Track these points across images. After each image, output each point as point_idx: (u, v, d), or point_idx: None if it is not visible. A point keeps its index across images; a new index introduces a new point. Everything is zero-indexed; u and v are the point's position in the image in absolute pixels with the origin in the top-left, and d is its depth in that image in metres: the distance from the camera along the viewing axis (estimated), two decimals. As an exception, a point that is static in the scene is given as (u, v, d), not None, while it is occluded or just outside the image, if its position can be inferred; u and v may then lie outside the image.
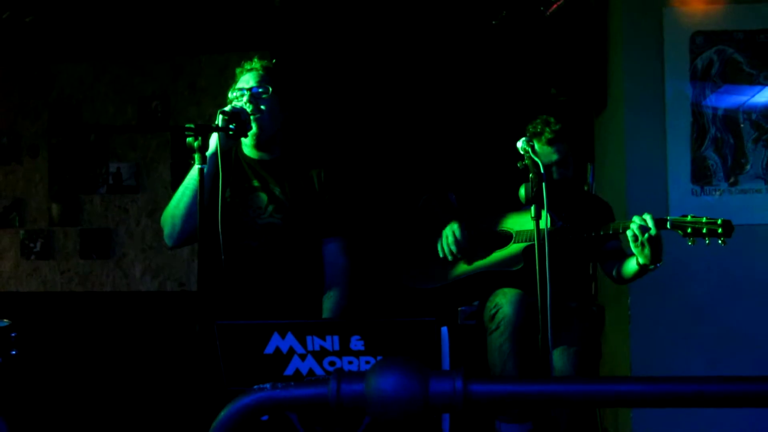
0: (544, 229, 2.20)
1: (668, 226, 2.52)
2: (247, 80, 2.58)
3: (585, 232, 2.69)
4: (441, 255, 2.86)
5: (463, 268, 2.85)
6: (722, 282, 3.27)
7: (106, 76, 4.61)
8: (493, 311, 2.65)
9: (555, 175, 2.79)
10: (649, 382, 0.91)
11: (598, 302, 3.70)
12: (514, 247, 2.79)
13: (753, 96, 3.29)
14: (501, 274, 2.77)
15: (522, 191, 2.63)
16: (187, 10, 4.22)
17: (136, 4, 4.12)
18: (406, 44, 4.23)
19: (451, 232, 2.81)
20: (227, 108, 2.25)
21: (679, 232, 2.51)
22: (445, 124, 4.23)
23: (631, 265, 2.65)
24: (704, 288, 3.29)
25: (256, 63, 2.63)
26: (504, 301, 2.63)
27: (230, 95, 2.59)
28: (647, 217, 2.49)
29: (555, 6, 3.65)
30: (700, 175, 3.31)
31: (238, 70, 2.65)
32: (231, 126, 2.21)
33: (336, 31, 4.24)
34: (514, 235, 2.83)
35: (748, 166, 3.29)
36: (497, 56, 4.14)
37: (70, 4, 4.05)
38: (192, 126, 2.06)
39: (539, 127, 2.81)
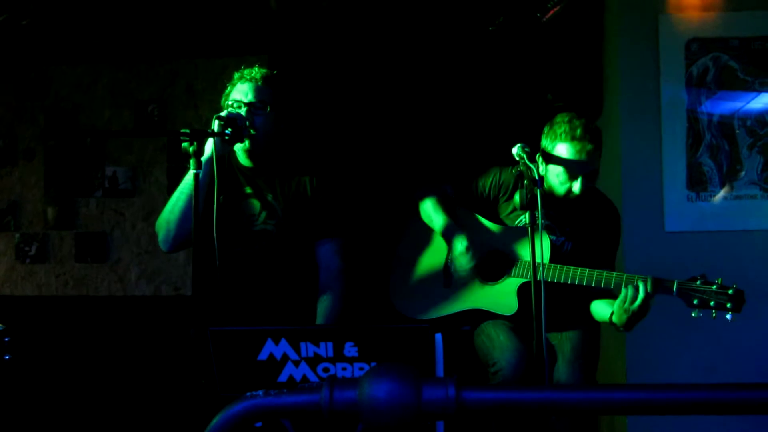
0: (538, 235, 2.18)
1: (674, 293, 2.37)
2: (244, 92, 2.50)
3: (577, 278, 2.48)
4: (453, 276, 2.70)
5: (457, 303, 2.69)
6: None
7: (103, 80, 4.60)
8: (493, 369, 2.50)
9: (579, 188, 2.52)
10: (646, 389, 0.91)
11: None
12: (510, 287, 2.61)
13: (748, 102, 3.30)
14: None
15: (516, 198, 2.60)
16: (184, 14, 4.22)
17: (133, 8, 4.12)
18: (403, 49, 4.23)
19: (460, 255, 2.62)
20: (223, 113, 2.25)
21: (684, 302, 2.35)
22: (441, 129, 4.23)
23: (603, 312, 2.53)
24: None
25: (256, 73, 2.54)
26: (504, 362, 2.46)
27: (225, 103, 2.55)
28: (648, 285, 2.33)
29: (551, 12, 3.65)
30: (696, 181, 3.32)
31: (236, 75, 2.57)
32: (227, 131, 2.20)
33: (333, 35, 4.24)
34: (514, 264, 2.63)
35: (743, 173, 3.30)
36: (494, 62, 4.14)
37: (67, 8, 4.05)
38: (188, 131, 2.06)
39: (579, 131, 2.49)
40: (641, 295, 2.33)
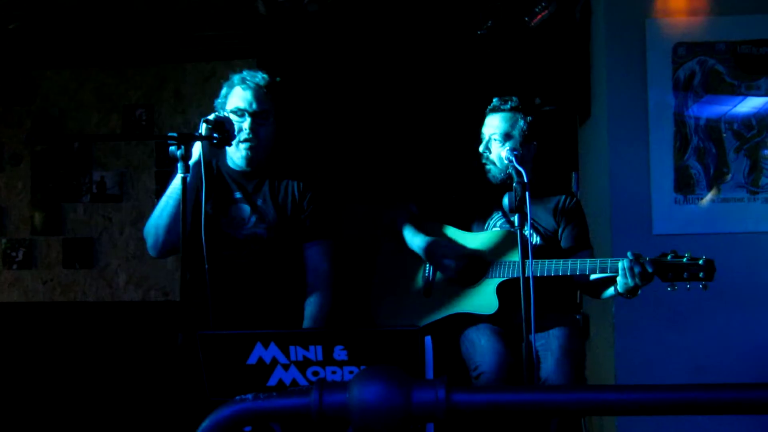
0: (527, 240, 2.19)
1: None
2: (246, 99, 2.47)
3: (564, 265, 2.52)
4: (433, 285, 2.73)
5: (438, 309, 2.72)
6: (705, 290, 3.29)
7: (90, 84, 4.58)
8: (475, 373, 2.52)
9: (492, 149, 2.70)
10: (635, 390, 0.91)
11: (582, 311, 3.71)
12: (489, 288, 2.64)
13: (734, 106, 3.32)
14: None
15: (506, 200, 2.63)
16: (172, 18, 4.20)
17: (121, 12, 4.11)
18: (390, 52, 4.24)
19: (443, 266, 2.68)
20: (211, 116, 2.23)
21: (658, 277, 2.38)
22: (429, 134, 4.23)
23: (608, 291, 2.58)
24: (688, 296, 3.30)
25: (259, 79, 2.48)
26: (485, 366, 2.48)
27: (222, 104, 2.50)
28: (649, 268, 2.36)
29: (539, 17, 3.67)
30: (683, 184, 3.33)
31: (236, 78, 2.51)
32: (215, 135, 2.19)
33: (321, 40, 4.24)
34: (491, 266, 2.66)
35: (730, 176, 3.32)
36: (482, 66, 4.16)
37: (54, 12, 4.03)
38: (175, 135, 2.05)
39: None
40: (647, 267, 2.36)
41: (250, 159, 2.52)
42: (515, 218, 2.29)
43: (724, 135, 3.33)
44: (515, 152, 2.49)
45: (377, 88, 4.26)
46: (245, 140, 2.47)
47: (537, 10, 3.65)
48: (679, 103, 3.35)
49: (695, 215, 3.32)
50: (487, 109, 2.80)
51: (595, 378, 3.59)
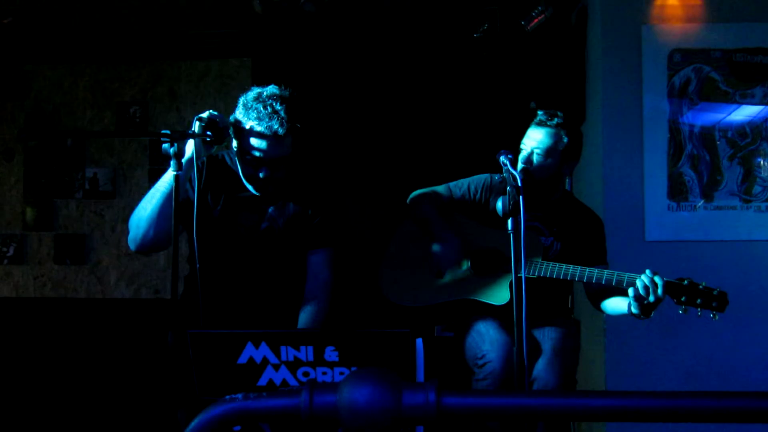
0: (521, 248, 2.18)
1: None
2: (263, 146, 2.34)
3: (579, 271, 2.54)
4: (436, 273, 2.75)
5: (449, 292, 2.73)
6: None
7: (85, 80, 4.56)
8: (481, 362, 2.54)
9: (534, 162, 2.66)
10: (626, 396, 0.91)
11: (573, 316, 3.72)
12: (503, 281, 2.67)
13: (729, 114, 3.33)
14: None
15: (499, 204, 2.62)
16: (168, 16, 4.20)
17: (116, 9, 4.09)
18: (386, 52, 4.24)
19: (448, 257, 2.70)
20: (204, 114, 2.22)
21: (672, 299, 2.40)
22: (425, 136, 4.24)
23: (619, 307, 2.57)
24: (679, 303, 3.31)
25: (276, 125, 2.30)
26: (493, 354, 2.51)
27: (235, 132, 2.39)
28: (659, 280, 2.35)
29: (536, 21, 3.68)
30: (677, 191, 3.34)
31: (253, 114, 2.32)
32: (208, 133, 2.18)
33: (318, 39, 4.24)
34: (507, 263, 2.67)
35: (723, 183, 3.33)
36: (479, 69, 4.16)
37: (48, 7, 4.02)
38: (168, 132, 2.04)
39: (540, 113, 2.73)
40: (659, 286, 2.37)
41: (263, 192, 2.49)
42: (509, 222, 2.27)
43: (718, 143, 3.34)
44: (509, 156, 2.49)
45: (373, 89, 4.26)
46: (259, 181, 2.44)
47: (533, 14, 3.66)
48: (673, 109, 3.35)
49: (688, 222, 3.32)
50: (533, 122, 2.76)
51: (585, 383, 3.59)
